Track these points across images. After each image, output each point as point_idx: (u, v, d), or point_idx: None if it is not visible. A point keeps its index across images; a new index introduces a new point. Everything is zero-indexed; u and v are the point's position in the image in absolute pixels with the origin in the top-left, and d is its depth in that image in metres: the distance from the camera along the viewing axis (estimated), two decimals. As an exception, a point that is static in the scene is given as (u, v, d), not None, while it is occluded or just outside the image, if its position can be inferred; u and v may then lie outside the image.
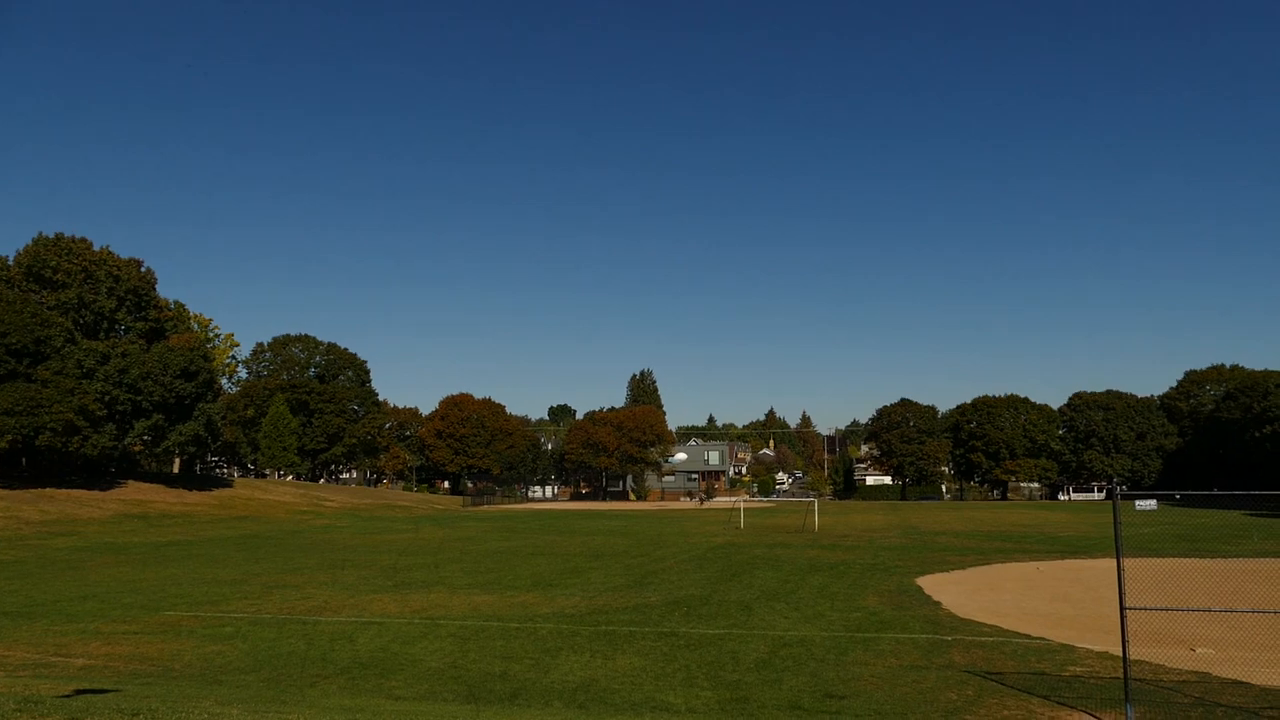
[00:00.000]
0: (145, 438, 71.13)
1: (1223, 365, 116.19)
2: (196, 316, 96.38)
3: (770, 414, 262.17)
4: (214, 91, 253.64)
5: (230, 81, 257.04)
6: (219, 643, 17.83)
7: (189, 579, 29.02)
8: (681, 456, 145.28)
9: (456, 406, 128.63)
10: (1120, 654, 12.09)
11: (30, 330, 59.66)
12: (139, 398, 67.24)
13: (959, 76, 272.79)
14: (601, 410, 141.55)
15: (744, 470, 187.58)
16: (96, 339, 68.89)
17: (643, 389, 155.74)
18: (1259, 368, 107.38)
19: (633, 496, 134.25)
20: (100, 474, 68.17)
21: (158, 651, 16.98)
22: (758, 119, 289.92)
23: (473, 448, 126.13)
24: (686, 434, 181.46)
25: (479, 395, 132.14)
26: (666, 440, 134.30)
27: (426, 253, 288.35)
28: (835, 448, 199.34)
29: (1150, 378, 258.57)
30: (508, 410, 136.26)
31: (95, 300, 69.44)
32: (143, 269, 73.65)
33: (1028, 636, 17.91)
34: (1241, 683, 13.77)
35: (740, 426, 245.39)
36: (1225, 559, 32.74)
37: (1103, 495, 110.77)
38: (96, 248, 71.57)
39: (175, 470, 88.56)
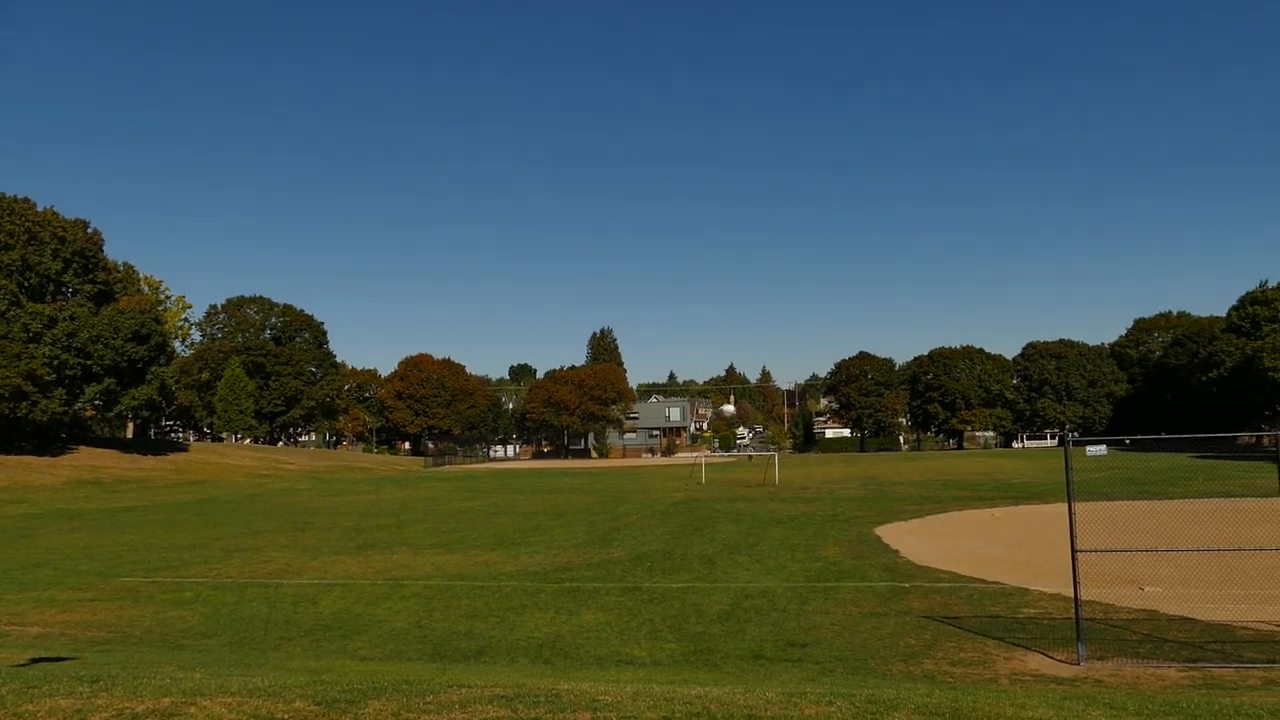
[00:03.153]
0: (96, 402, 69.79)
1: (1170, 312, 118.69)
2: (147, 278, 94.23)
3: (730, 370, 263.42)
4: (157, 45, 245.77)
5: (176, 35, 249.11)
6: (179, 608, 17.66)
7: (146, 544, 28.67)
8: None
9: (416, 367, 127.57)
10: (1072, 595, 12.42)
11: (-29, 295, 57.96)
12: (89, 362, 65.80)
13: (920, 25, 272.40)
14: (562, 369, 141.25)
15: (705, 426, 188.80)
16: (43, 302, 67.08)
17: (603, 347, 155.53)
18: (1204, 314, 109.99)
19: (595, 454, 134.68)
20: (51, 440, 66.80)
21: (116, 618, 16.78)
22: (711, 72, 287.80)
23: (433, 408, 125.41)
24: (647, 391, 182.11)
25: (438, 355, 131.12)
26: (627, 398, 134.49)
27: (383, 212, 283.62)
28: (795, 402, 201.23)
29: (1101, 326, 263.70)
30: (468, 370, 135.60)
31: (40, 262, 67.45)
32: (89, 230, 71.60)
33: (983, 581, 18.32)
34: (1188, 619, 14.24)
35: (701, 383, 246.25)
36: (1172, 500, 33.69)
37: (1055, 442, 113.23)
38: (40, 208, 69.49)
39: (129, 435, 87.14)
